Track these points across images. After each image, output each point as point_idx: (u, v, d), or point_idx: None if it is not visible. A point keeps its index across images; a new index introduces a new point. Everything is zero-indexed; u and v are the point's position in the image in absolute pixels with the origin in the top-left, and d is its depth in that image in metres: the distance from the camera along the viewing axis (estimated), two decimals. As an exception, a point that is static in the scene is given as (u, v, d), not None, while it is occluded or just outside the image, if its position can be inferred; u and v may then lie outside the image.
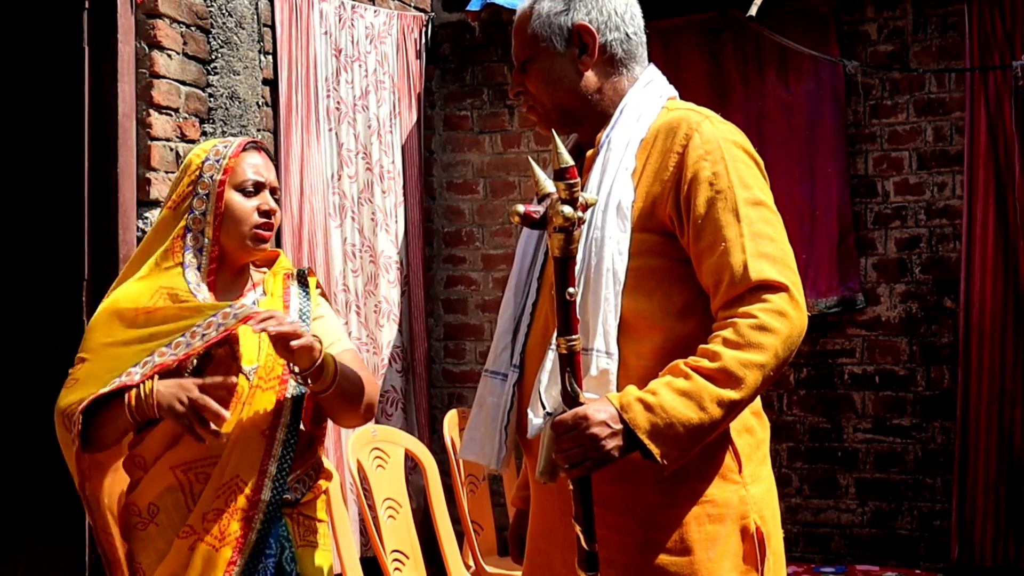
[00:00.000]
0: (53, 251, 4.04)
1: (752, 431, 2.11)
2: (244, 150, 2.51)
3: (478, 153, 5.69)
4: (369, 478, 3.86)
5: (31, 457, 4.06)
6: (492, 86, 5.65)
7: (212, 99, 4.25)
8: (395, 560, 3.79)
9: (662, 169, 2.04)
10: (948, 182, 4.93)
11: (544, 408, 1.97)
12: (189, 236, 2.46)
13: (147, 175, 3.98)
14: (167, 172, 4.05)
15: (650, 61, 2.27)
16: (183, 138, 4.11)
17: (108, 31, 3.90)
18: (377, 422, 4.71)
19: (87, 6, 3.92)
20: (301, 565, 2.45)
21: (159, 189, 4.01)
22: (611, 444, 1.89)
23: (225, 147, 2.51)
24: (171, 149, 4.06)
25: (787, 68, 5.08)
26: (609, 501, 2.00)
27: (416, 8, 5.61)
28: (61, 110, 3.98)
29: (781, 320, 1.91)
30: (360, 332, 5.01)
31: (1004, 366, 4.73)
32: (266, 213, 2.49)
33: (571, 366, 1.92)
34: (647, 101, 2.15)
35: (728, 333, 1.91)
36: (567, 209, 1.88)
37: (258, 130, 4.49)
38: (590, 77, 2.16)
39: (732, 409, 1.91)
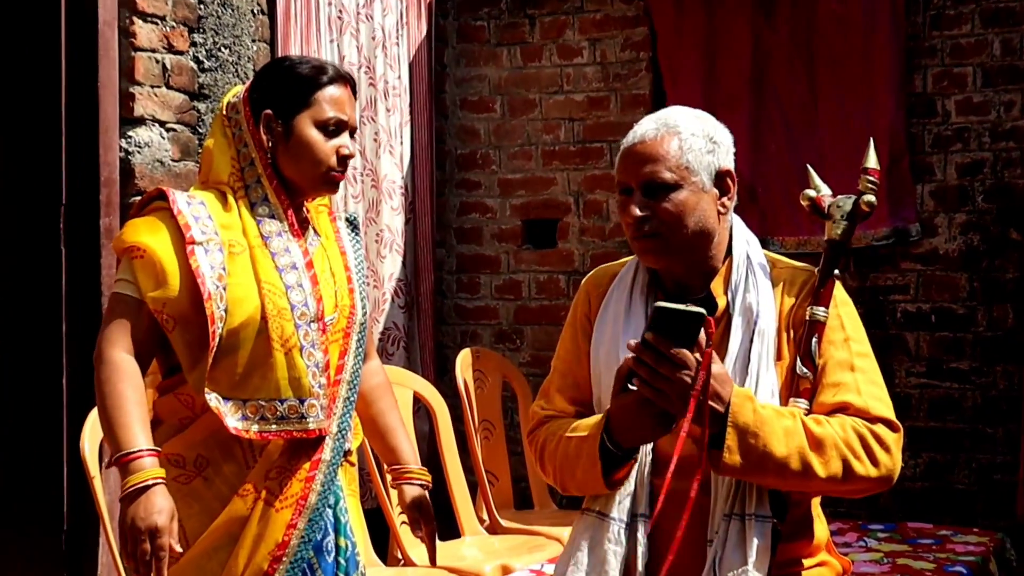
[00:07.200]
0: (27, 173, 3.97)
1: None
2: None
3: (495, 68, 5.52)
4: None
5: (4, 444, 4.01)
6: (511, -7, 5.54)
7: (202, 6, 4.14)
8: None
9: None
10: (1016, 101, 4.74)
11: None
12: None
13: (131, 90, 3.91)
14: (153, 87, 3.97)
15: None
16: (170, 49, 4.02)
17: (85, -72, 3.84)
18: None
19: None
20: (349, 515, 2.48)
21: (144, 105, 3.93)
22: (687, 401, 2.04)
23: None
24: (157, 61, 3.97)
25: (840, -26, 4.91)
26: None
27: (428, -94, 5.48)
28: (34, 18, 3.89)
29: (887, 456, 2.15)
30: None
31: (1075, 303, 4.57)
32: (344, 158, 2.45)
33: (815, 332, 2.20)
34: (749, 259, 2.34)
35: (844, 427, 2.14)
36: (870, 198, 2.27)
37: (253, 40, 4.37)
38: (723, 221, 2.29)
39: (804, 472, 2.10)
